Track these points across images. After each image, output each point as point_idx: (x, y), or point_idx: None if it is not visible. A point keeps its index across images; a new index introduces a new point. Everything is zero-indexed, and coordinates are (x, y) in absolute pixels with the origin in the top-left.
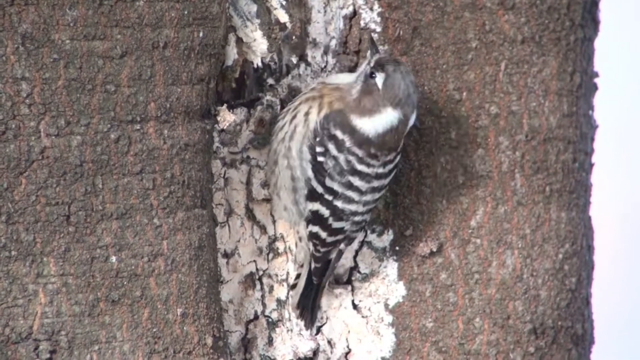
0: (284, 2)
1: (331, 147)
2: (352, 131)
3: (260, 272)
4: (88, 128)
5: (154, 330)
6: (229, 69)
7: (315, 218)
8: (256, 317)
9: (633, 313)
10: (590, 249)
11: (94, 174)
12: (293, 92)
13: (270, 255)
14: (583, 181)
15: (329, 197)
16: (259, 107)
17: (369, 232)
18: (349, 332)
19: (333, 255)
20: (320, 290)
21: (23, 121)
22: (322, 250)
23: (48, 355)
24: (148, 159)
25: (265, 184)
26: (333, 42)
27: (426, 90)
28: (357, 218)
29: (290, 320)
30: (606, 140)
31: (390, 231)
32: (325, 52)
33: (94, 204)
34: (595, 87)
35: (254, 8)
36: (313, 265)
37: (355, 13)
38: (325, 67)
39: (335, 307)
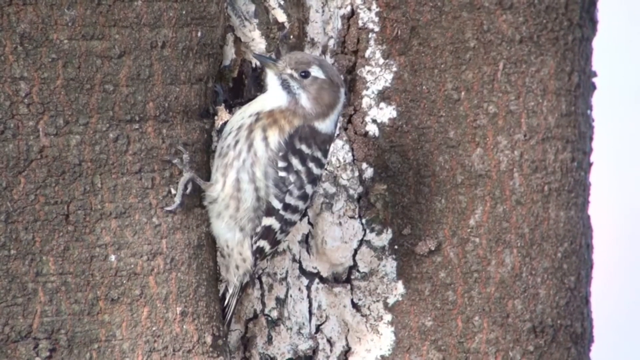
0: (282, 2)
1: (295, 161)
2: (315, 137)
3: (260, 271)
4: (87, 127)
5: (154, 328)
6: (227, 68)
7: (264, 232)
8: (255, 316)
9: (633, 312)
10: (589, 248)
11: (92, 173)
12: None
13: None
14: (581, 180)
15: (282, 212)
16: None
17: (368, 231)
18: (348, 330)
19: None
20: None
21: (22, 120)
22: (258, 264)
23: (48, 354)
24: (147, 158)
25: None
26: (331, 42)
27: (424, 89)
28: (290, 228)
29: (289, 319)
30: (605, 139)
31: (389, 230)
32: (324, 52)
33: (92, 203)
34: (593, 87)
35: (252, 8)
36: (245, 280)
37: (353, 13)
38: None
39: (335, 305)
